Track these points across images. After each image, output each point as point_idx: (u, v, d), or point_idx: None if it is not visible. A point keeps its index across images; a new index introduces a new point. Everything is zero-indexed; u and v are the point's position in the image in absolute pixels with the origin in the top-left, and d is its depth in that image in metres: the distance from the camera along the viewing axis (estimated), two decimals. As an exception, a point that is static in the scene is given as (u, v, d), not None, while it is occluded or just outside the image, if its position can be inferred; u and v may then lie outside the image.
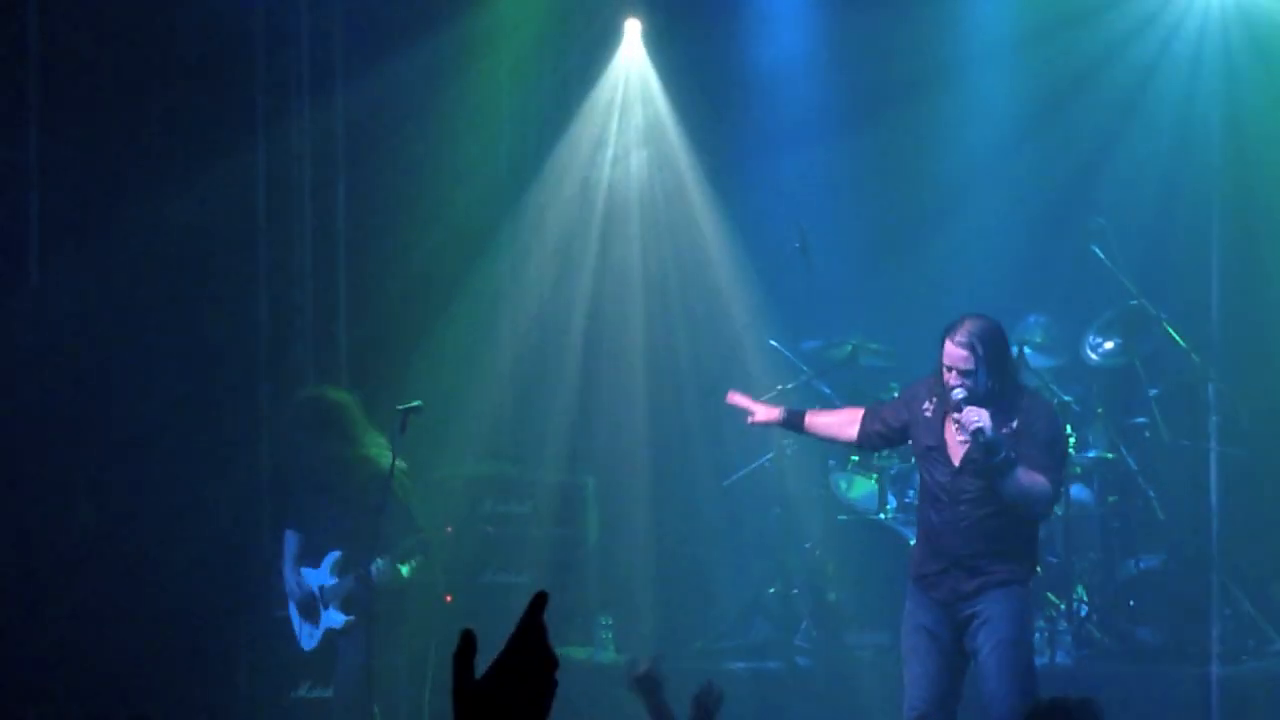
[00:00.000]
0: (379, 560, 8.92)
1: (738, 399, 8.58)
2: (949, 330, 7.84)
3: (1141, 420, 11.17)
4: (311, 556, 9.31)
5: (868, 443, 8.41)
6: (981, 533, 7.83)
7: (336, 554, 9.18)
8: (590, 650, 10.82)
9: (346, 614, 9.12)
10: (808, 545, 11.15)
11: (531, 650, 2.44)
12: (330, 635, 9.24)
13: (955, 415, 7.75)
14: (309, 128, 11.14)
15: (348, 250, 11.32)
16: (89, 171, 10.08)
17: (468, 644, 2.44)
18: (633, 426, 12.08)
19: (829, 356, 11.46)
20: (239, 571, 10.43)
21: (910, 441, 8.24)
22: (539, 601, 2.49)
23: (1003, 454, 7.64)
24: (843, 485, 11.24)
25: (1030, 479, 7.67)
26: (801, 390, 11.30)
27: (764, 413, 8.47)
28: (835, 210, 12.16)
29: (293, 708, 10.07)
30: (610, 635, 10.85)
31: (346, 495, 9.14)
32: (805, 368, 11.37)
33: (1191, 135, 11.61)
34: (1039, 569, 10.06)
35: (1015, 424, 7.75)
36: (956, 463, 7.85)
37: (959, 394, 7.72)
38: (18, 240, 10.04)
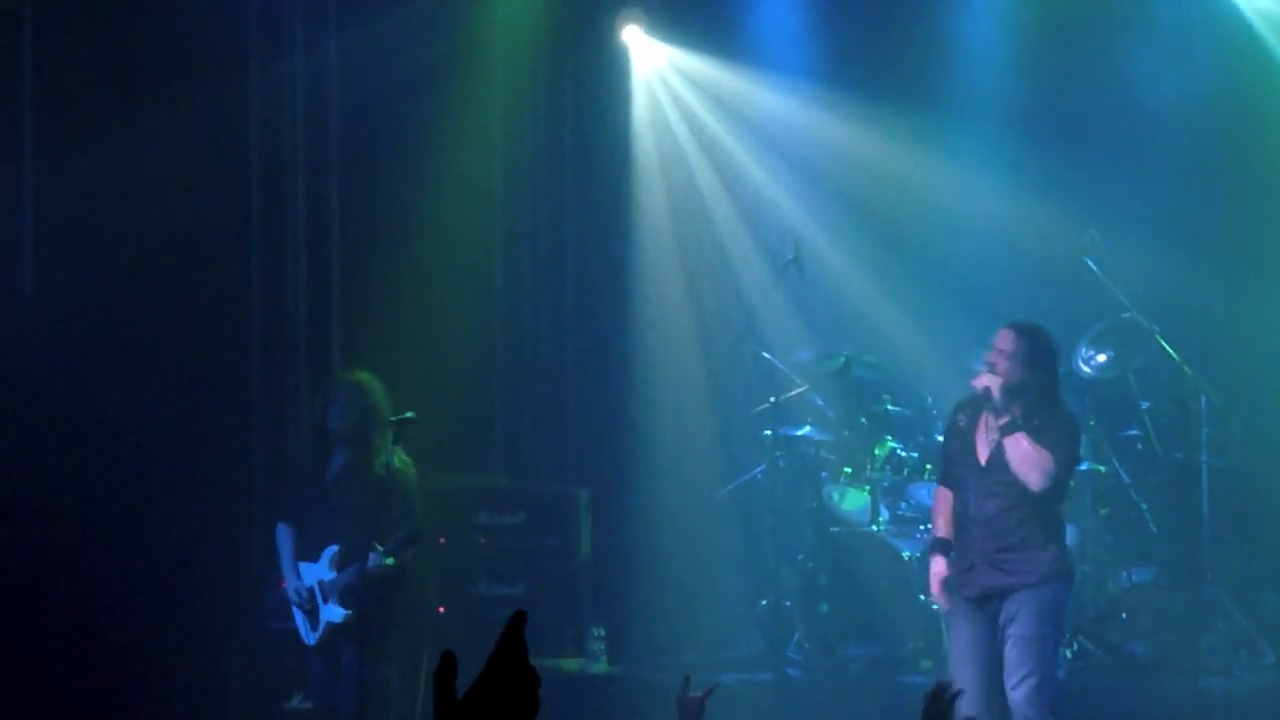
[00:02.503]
0: (374, 554, 8.96)
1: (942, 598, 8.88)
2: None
3: (1134, 433, 11.18)
4: (310, 551, 9.30)
5: None
6: (1005, 528, 8.39)
7: (335, 548, 9.17)
8: (583, 661, 10.82)
9: (346, 608, 9.11)
10: (800, 557, 11.15)
11: (512, 668, 2.44)
12: (331, 631, 9.22)
13: (974, 380, 8.45)
14: (303, 135, 11.15)
15: (341, 258, 11.33)
16: (83, 180, 10.07)
17: (448, 665, 2.43)
18: (626, 438, 12.08)
19: (822, 368, 11.46)
20: (231, 581, 10.42)
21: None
22: (518, 620, 2.48)
23: (1008, 417, 8.29)
24: (835, 497, 11.24)
25: (1034, 448, 8.28)
26: (795, 403, 11.31)
27: (943, 573, 8.72)
28: (829, 221, 12.17)
29: (286, 718, 10.06)
30: (603, 646, 10.85)
31: (353, 486, 9.16)
32: (798, 380, 11.38)
33: (1189, 144, 11.63)
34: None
35: (1036, 423, 8.35)
36: (984, 461, 8.43)
37: (986, 368, 8.40)
38: (12, 249, 10.04)
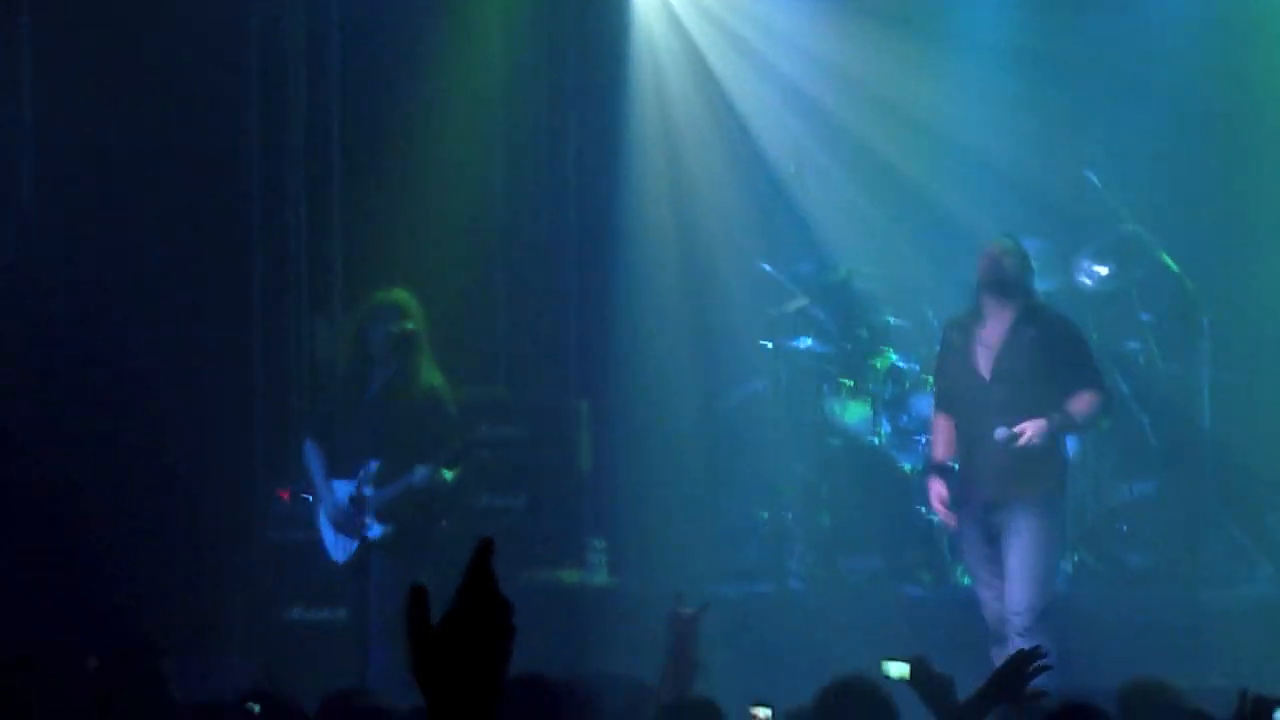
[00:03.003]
0: (421, 468, 8.95)
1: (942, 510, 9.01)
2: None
3: (1134, 346, 11.17)
4: (344, 466, 9.26)
5: None
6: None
7: (374, 464, 9.12)
8: (582, 573, 10.84)
9: (385, 525, 9.08)
10: (801, 469, 11.16)
11: (482, 598, 2.41)
12: (364, 547, 9.18)
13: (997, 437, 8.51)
14: (303, 47, 11.11)
15: (342, 173, 11.31)
16: (80, 89, 10.03)
17: (418, 598, 2.40)
18: (627, 350, 12.06)
19: (823, 281, 11.45)
20: (231, 492, 10.44)
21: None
22: (484, 549, 2.45)
23: (1051, 425, 8.45)
24: (836, 409, 11.23)
25: (1083, 405, 8.59)
26: (795, 316, 11.29)
27: (943, 493, 8.88)
28: (830, 134, 12.11)
29: (288, 629, 10.10)
30: (603, 559, 10.87)
31: (393, 404, 9.14)
32: (799, 292, 11.35)
33: (1192, 61, 11.56)
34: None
35: (1033, 333, 8.53)
36: (986, 375, 8.55)
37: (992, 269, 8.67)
38: (9, 158, 10.02)
